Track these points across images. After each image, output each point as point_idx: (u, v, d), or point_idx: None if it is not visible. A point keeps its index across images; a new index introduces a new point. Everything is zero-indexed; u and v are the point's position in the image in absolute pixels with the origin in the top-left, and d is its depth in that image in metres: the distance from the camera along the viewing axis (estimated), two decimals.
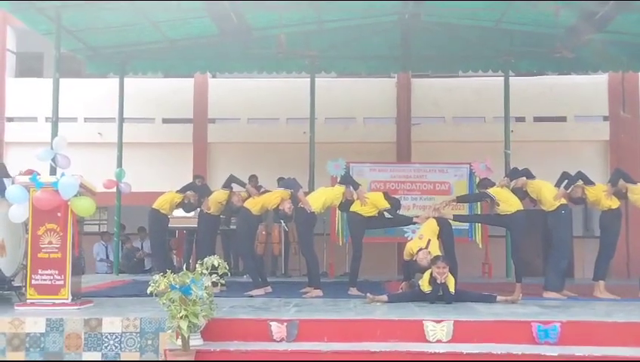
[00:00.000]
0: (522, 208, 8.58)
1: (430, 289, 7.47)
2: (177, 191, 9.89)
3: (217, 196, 9.55)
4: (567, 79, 14.39)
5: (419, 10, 10.81)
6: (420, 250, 8.10)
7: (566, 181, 8.53)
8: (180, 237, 12.57)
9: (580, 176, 8.57)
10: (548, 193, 8.48)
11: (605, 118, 14.55)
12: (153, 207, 9.88)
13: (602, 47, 11.47)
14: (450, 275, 7.55)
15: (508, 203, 8.52)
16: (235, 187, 9.60)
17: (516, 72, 13.33)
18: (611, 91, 14.48)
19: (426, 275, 7.61)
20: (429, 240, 8.26)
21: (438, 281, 7.42)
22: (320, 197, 8.83)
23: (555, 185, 8.59)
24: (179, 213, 10.49)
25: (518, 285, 8.30)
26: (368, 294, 7.64)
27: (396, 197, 9.55)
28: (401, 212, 9.39)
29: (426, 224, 8.74)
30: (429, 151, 13.93)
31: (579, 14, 10.44)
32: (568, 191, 8.49)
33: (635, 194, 8.47)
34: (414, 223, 9.29)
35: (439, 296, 7.42)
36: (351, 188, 8.90)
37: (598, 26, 10.56)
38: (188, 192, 9.79)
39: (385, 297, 7.63)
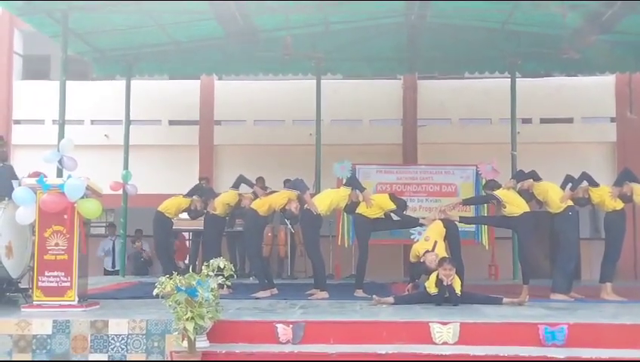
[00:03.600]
0: (529, 210, 8.56)
1: (436, 291, 7.46)
2: (185, 196, 9.91)
3: (225, 197, 9.58)
4: (574, 80, 14.35)
5: (425, 11, 10.79)
6: (427, 252, 8.08)
7: (570, 183, 8.51)
8: (181, 240, 12.57)
9: (585, 177, 8.55)
10: (554, 195, 8.45)
11: (612, 120, 14.50)
12: (159, 209, 9.90)
13: (609, 48, 11.45)
14: (456, 277, 7.53)
15: (514, 205, 8.49)
16: (242, 188, 9.64)
17: (523, 73, 13.29)
18: (618, 92, 14.44)
19: (432, 277, 7.60)
20: (436, 242, 8.24)
21: (445, 283, 7.41)
22: (326, 199, 8.83)
23: (560, 188, 8.57)
24: (185, 214, 10.51)
25: (525, 287, 8.27)
26: (374, 296, 7.62)
27: (402, 198, 9.54)
28: (407, 213, 9.37)
29: (433, 226, 8.72)
30: (436, 152, 13.91)
31: (586, 15, 10.42)
32: (574, 193, 8.47)
33: (639, 196, 8.44)
34: (421, 225, 9.27)
35: (445, 297, 7.40)
36: (357, 190, 8.89)
37: (605, 27, 10.53)
38: (194, 197, 9.80)
39: (391, 299, 7.61)
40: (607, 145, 14.42)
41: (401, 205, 9.04)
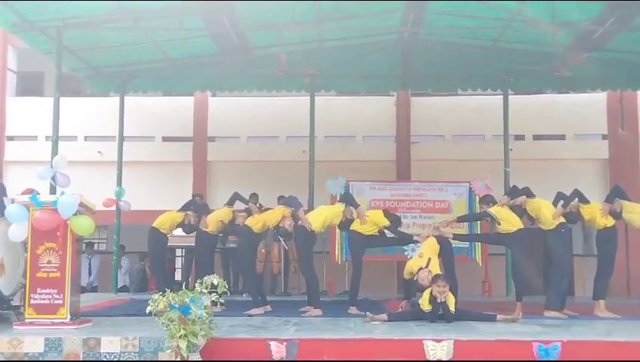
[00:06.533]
0: (523, 227, 8.57)
1: (430, 308, 7.45)
2: (178, 211, 9.90)
3: (219, 214, 9.58)
4: (566, 98, 14.44)
5: (418, 29, 10.88)
6: (420, 268, 8.08)
7: (561, 201, 8.54)
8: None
9: (576, 194, 8.58)
10: (547, 212, 8.48)
11: (604, 137, 14.60)
12: (153, 225, 9.87)
13: (600, 65, 11.54)
14: (450, 294, 7.53)
15: (509, 222, 8.50)
16: (236, 205, 9.64)
17: (515, 90, 13.38)
18: (610, 109, 14.54)
19: (426, 294, 7.59)
20: (430, 259, 8.23)
21: (439, 300, 7.40)
22: (320, 216, 8.82)
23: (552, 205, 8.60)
24: (177, 231, 10.49)
25: (518, 304, 8.27)
26: (368, 313, 7.61)
27: (396, 214, 9.54)
28: (400, 230, 9.37)
29: (427, 242, 8.72)
30: (429, 169, 13.94)
31: (577, 33, 10.52)
32: (565, 210, 8.50)
33: (629, 213, 8.48)
34: (415, 242, 9.26)
35: (439, 315, 7.39)
36: (351, 207, 8.89)
37: (596, 45, 10.64)
38: (188, 212, 9.78)
39: (385, 316, 7.59)
40: (599, 162, 14.49)
41: (396, 221, 9.04)
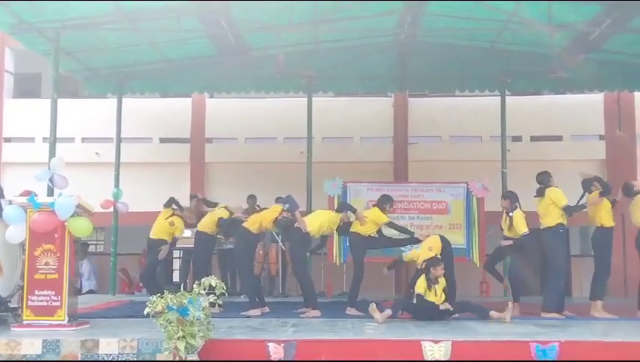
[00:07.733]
0: (528, 231, 8.56)
1: (433, 297, 7.66)
2: (174, 225, 10.06)
3: (215, 215, 9.65)
4: (563, 99, 14.46)
5: (415, 30, 10.90)
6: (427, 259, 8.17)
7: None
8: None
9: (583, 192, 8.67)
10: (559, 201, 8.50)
11: (601, 138, 14.61)
12: (153, 237, 9.97)
13: (597, 66, 11.57)
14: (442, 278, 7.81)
15: (518, 227, 8.50)
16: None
17: (512, 91, 13.39)
18: (607, 110, 14.55)
19: (422, 283, 7.72)
20: (436, 256, 8.27)
21: (433, 284, 7.68)
22: (316, 221, 8.83)
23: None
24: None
25: (509, 303, 8.22)
26: (371, 304, 7.65)
27: (387, 195, 9.41)
28: (400, 225, 9.36)
29: (433, 239, 8.74)
30: (426, 170, 13.95)
31: (573, 35, 10.54)
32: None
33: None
34: (417, 241, 9.22)
35: (440, 312, 7.52)
36: (349, 211, 8.92)
37: (592, 46, 10.66)
38: (185, 213, 9.87)
39: (389, 312, 7.62)
40: (597, 163, 14.47)
41: (387, 201, 9.00)
